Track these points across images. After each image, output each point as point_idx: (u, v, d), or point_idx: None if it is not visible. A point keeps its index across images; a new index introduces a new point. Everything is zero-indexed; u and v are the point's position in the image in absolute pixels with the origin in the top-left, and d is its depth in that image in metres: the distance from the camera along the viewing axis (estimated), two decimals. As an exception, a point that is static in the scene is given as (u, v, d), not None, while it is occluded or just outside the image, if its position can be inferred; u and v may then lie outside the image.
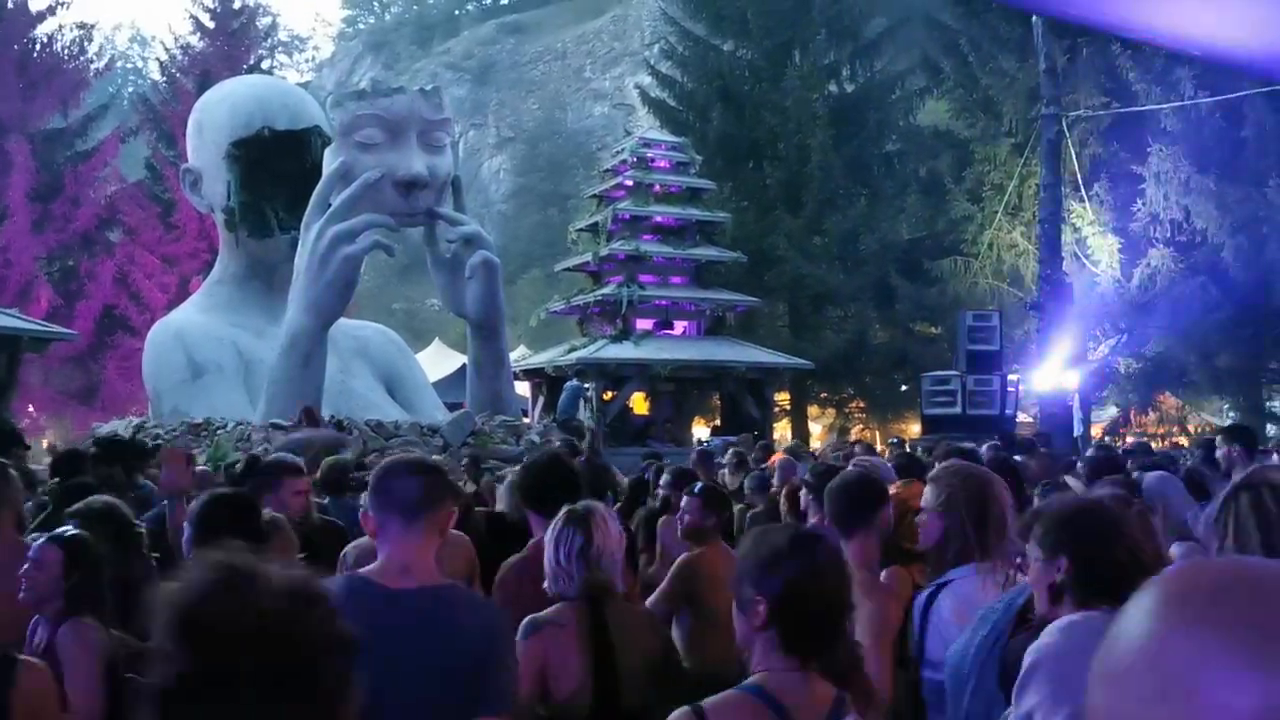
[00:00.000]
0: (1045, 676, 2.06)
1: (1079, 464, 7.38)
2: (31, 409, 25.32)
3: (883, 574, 3.55)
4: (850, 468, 4.30)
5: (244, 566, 1.26)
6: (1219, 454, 7.59)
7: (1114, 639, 0.73)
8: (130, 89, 51.26)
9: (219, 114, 14.56)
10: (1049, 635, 2.14)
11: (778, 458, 8.21)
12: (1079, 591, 2.20)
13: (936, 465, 5.34)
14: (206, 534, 3.07)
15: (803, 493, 5.66)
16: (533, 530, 3.75)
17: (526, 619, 2.98)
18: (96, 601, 3.04)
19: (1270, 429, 20.04)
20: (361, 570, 2.56)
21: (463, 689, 2.38)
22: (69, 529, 3.24)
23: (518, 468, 4.49)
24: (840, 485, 3.42)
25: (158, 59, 34.90)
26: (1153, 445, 14.81)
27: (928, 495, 3.10)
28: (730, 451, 9.42)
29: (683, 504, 4.84)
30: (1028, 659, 2.11)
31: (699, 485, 4.92)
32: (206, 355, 13.51)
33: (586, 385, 18.63)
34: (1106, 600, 2.15)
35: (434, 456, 6.02)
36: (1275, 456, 9.23)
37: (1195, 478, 5.44)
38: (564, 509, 3.15)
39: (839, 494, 3.38)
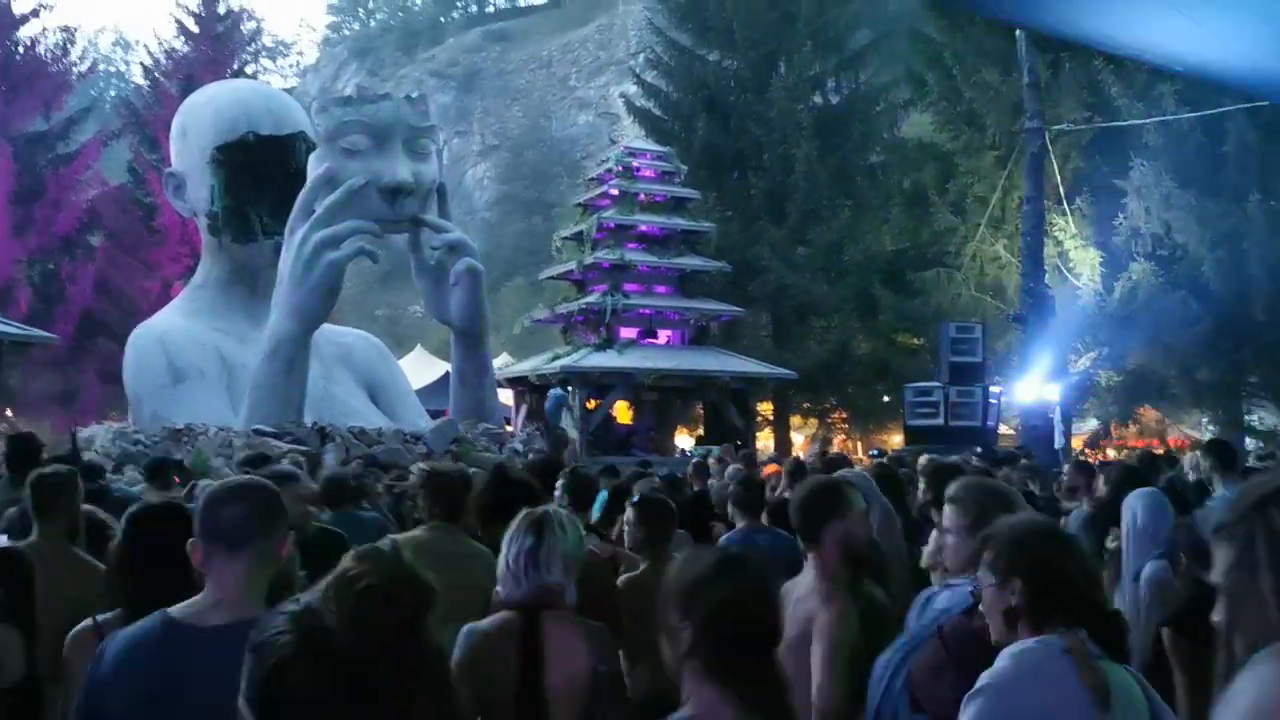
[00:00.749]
0: (989, 703, 2.05)
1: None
2: (9, 413, 25.11)
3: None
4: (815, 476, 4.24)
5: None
6: (1205, 466, 7.62)
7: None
8: (113, 92, 51.03)
9: (203, 118, 14.50)
10: (1002, 660, 2.12)
11: (771, 470, 8.26)
12: (1034, 615, 2.16)
13: (921, 477, 5.36)
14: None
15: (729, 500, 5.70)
16: None
17: (465, 626, 2.93)
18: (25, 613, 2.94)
19: (1249, 443, 20.17)
20: (171, 610, 2.34)
21: None
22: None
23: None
24: (800, 494, 3.34)
25: (141, 63, 34.78)
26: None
27: (951, 516, 2.96)
28: (712, 459, 9.46)
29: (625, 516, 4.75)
30: (980, 682, 2.10)
31: (636, 496, 4.82)
32: (188, 360, 13.43)
33: (569, 390, 18.59)
34: (1061, 621, 2.14)
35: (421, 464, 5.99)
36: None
37: (1176, 488, 5.46)
38: (523, 511, 3.10)
39: (799, 503, 3.29)
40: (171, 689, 2.20)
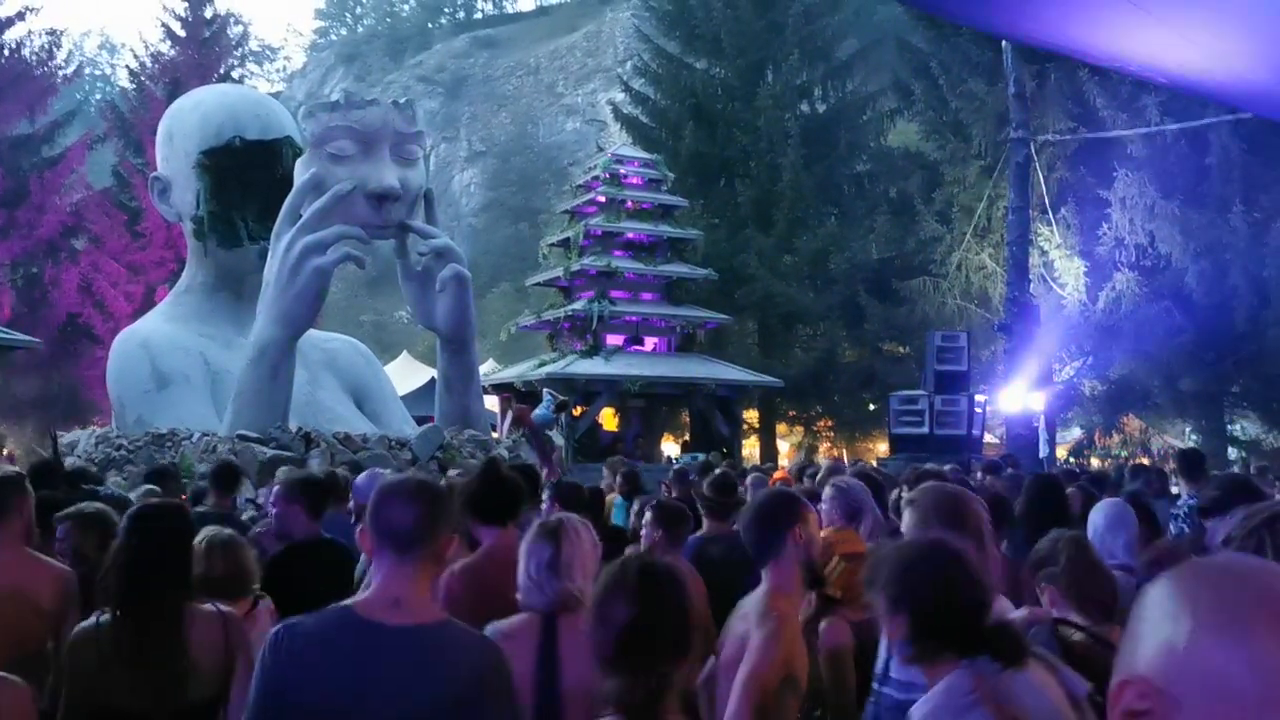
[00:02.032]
0: None
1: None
2: (-9, 417, 24.96)
3: (822, 625, 3.44)
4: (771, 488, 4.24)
5: None
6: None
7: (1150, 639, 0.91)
8: (98, 96, 50.83)
9: (189, 122, 14.44)
10: (933, 696, 2.11)
11: (779, 477, 8.31)
12: (922, 646, 2.14)
13: (904, 490, 5.37)
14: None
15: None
16: (480, 540, 3.85)
17: (487, 626, 2.95)
18: None
19: (1231, 452, 20.30)
20: (348, 602, 2.41)
21: None
22: None
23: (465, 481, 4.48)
24: (750, 509, 3.23)
25: (127, 66, 34.65)
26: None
27: (907, 519, 3.07)
28: (700, 465, 9.48)
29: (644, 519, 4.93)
30: (913, 714, 2.10)
31: (654, 500, 4.94)
32: (173, 365, 13.36)
33: (561, 410, 18.21)
34: (957, 652, 2.11)
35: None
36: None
37: (1139, 500, 5.49)
38: (536, 522, 3.15)
39: (748, 518, 3.18)
40: (360, 685, 2.24)
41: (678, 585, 2.12)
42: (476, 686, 2.32)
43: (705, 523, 5.45)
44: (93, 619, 2.94)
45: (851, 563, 3.48)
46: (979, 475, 9.24)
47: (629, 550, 4.00)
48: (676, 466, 10.89)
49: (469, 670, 2.33)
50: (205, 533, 3.62)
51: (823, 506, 4.32)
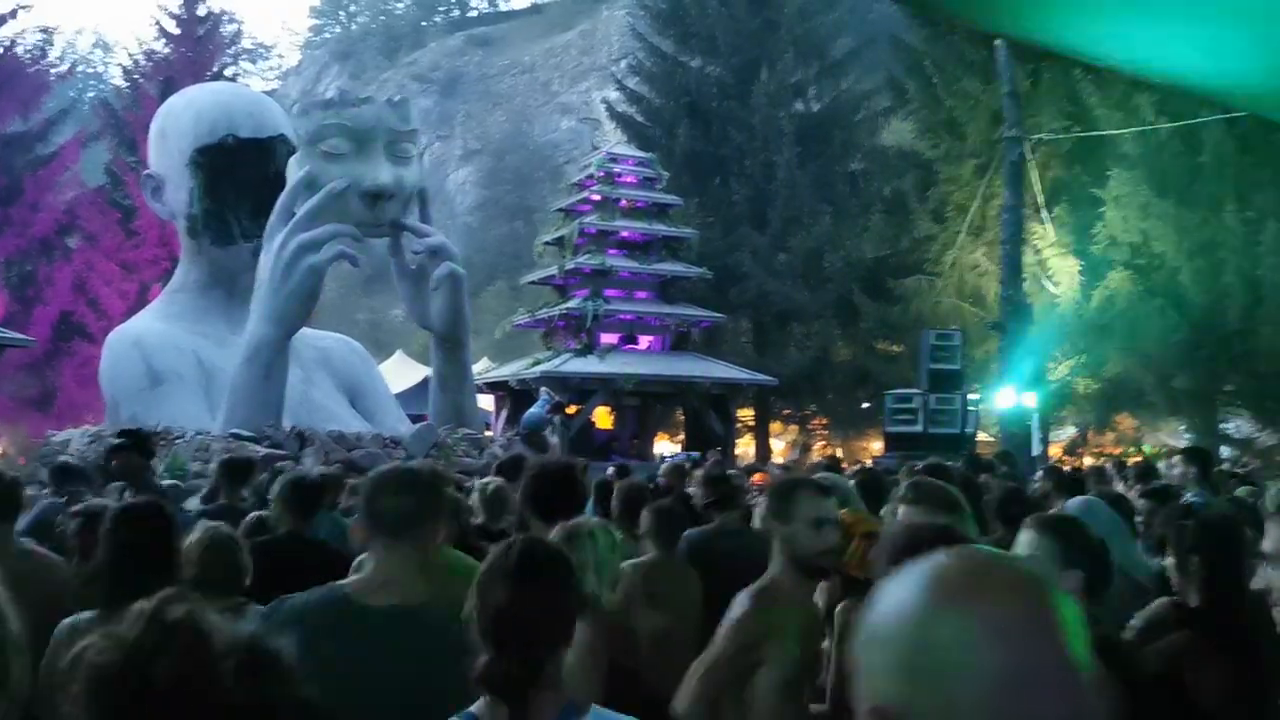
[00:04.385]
0: None
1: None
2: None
3: (839, 606, 3.47)
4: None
5: (188, 620, 1.00)
6: (1175, 473, 7.72)
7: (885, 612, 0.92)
8: (91, 94, 50.69)
9: (183, 120, 14.42)
10: None
11: (759, 480, 8.28)
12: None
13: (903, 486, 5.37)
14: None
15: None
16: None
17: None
18: None
19: (1225, 450, 20.32)
20: (342, 583, 2.52)
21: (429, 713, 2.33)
22: None
23: (526, 476, 4.47)
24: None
25: (120, 64, 34.56)
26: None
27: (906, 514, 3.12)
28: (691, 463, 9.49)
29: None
30: None
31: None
32: (166, 363, 13.34)
33: (553, 409, 18.09)
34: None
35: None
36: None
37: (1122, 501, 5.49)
38: (557, 526, 3.18)
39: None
40: (349, 661, 2.31)
41: (558, 569, 2.12)
42: (453, 667, 2.34)
43: (714, 518, 5.41)
44: (70, 620, 2.92)
45: (869, 542, 3.48)
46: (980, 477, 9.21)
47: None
48: (670, 460, 10.88)
49: (446, 651, 2.35)
50: (202, 530, 3.60)
51: None
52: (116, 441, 7.54)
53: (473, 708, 2.02)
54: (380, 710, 2.29)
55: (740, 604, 2.99)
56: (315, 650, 2.26)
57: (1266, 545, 2.21)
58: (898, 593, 0.93)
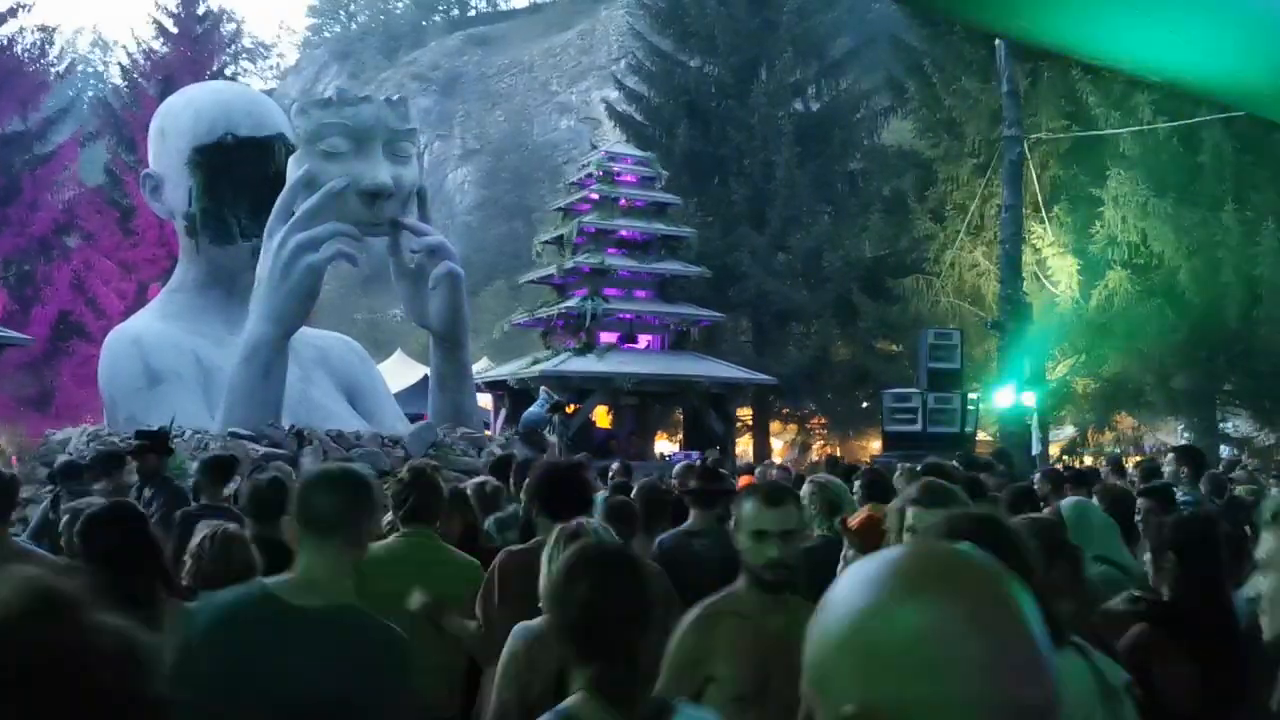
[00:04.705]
0: None
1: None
2: (-17, 414, 24.89)
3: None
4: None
5: (69, 594, 0.98)
6: (1167, 471, 7.74)
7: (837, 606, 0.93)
8: (90, 93, 50.66)
9: (182, 119, 14.39)
10: None
11: (746, 482, 8.21)
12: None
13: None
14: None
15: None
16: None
17: (517, 625, 3.01)
18: None
19: (1223, 450, 20.33)
20: (267, 581, 2.50)
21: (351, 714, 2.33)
22: None
23: (531, 474, 4.48)
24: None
25: (119, 63, 34.53)
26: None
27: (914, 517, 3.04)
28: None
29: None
30: None
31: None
32: (164, 362, 13.32)
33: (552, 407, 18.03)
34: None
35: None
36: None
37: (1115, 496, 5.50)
38: (557, 527, 3.16)
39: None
40: (268, 661, 2.29)
41: (638, 568, 2.15)
42: (372, 669, 2.37)
43: (690, 514, 5.26)
44: None
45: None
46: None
47: None
48: (686, 461, 10.84)
49: (366, 653, 2.38)
50: (205, 527, 3.60)
51: (804, 503, 4.33)
52: (135, 444, 7.60)
53: (566, 704, 1.99)
54: (303, 710, 2.28)
55: (681, 624, 2.92)
56: (241, 648, 2.30)
57: (1259, 553, 2.22)
58: (858, 592, 0.92)
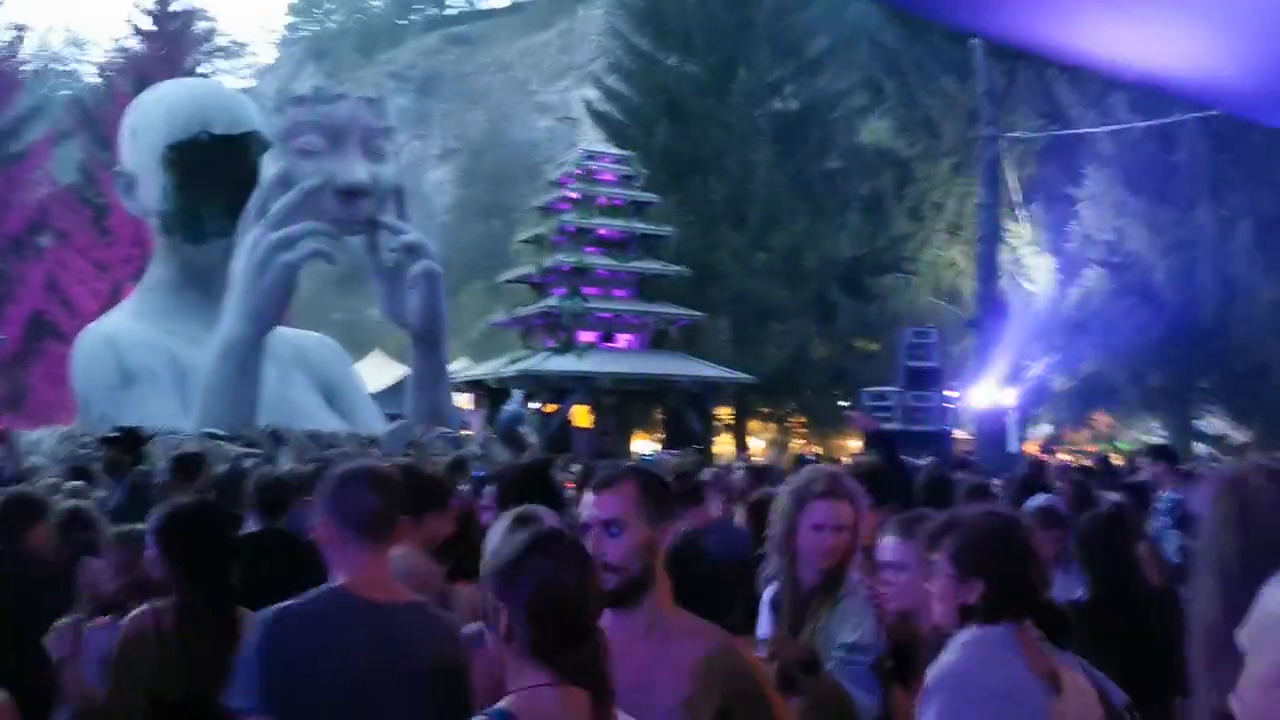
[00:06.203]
0: (947, 699, 2.05)
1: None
2: (-46, 415, 24.63)
3: None
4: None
5: None
6: (1145, 473, 7.73)
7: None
8: (64, 91, 50.20)
9: (155, 116, 14.26)
10: (949, 654, 2.12)
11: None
12: (988, 612, 2.15)
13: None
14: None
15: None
16: None
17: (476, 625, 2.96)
18: None
19: (1198, 447, 20.48)
20: (337, 584, 2.48)
21: (421, 709, 2.39)
22: None
23: (499, 476, 4.46)
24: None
25: (93, 61, 34.28)
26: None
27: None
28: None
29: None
30: (931, 679, 2.09)
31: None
32: (138, 362, 13.19)
33: (530, 405, 18.00)
34: (1012, 616, 2.14)
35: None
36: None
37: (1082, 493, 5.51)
38: (510, 512, 3.12)
39: None
40: (360, 659, 2.34)
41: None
42: (444, 663, 2.43)
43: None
44: (145, 608, 2.88)
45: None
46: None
47: None
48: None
49: (440, 648, 2.45)
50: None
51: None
52: (110, 434, 7.64)
53: (500, 705, 1.88)
54: (389, 699, 2.36)
55: None
56: (325, 647, 2.34)
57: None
58: None
